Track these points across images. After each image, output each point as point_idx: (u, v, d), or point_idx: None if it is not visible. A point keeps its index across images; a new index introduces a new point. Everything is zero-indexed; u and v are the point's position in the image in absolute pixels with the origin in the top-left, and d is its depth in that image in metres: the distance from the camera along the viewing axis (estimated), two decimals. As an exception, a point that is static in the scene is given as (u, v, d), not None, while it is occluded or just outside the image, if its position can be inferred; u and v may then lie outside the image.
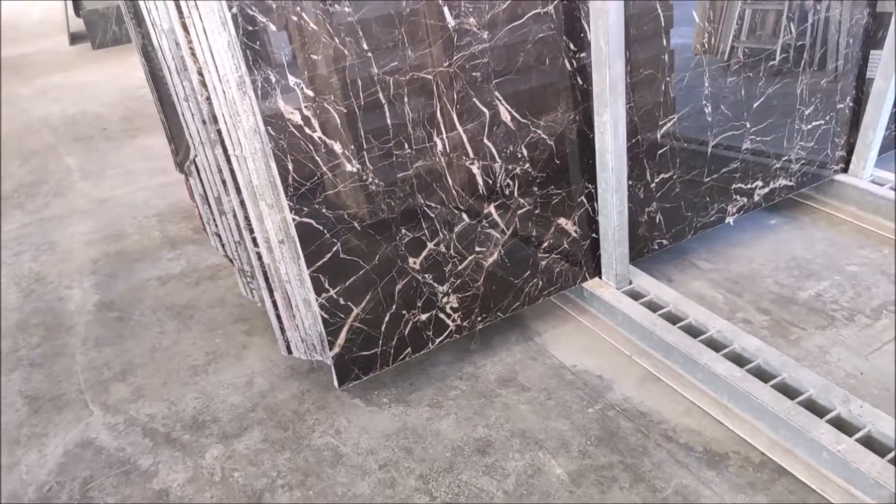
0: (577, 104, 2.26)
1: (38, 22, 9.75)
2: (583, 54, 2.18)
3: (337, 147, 1.88)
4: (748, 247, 2.94)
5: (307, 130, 1.81)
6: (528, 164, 2.24)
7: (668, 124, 2.49)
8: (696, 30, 2.48)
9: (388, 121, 1.93)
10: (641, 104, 2.39)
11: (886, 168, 3.20)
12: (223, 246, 2.52)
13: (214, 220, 2.43)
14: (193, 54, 1.83)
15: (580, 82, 2.22)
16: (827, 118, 2.94)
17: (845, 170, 3.15)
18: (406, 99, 1.94)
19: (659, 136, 2.48)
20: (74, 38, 8.22)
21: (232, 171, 1.97)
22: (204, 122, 1.96)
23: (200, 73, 1.85)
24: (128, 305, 2.93)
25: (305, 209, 1.88)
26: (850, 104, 3.00)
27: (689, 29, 2.49)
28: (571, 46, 2.17)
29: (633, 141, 2.42)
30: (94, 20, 7.69)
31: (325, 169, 1.88)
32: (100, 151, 4.82)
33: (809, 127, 2.90)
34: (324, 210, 1.91)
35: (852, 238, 2.95)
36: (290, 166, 1.82)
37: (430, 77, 1.95)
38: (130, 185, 4.19)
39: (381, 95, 1.89)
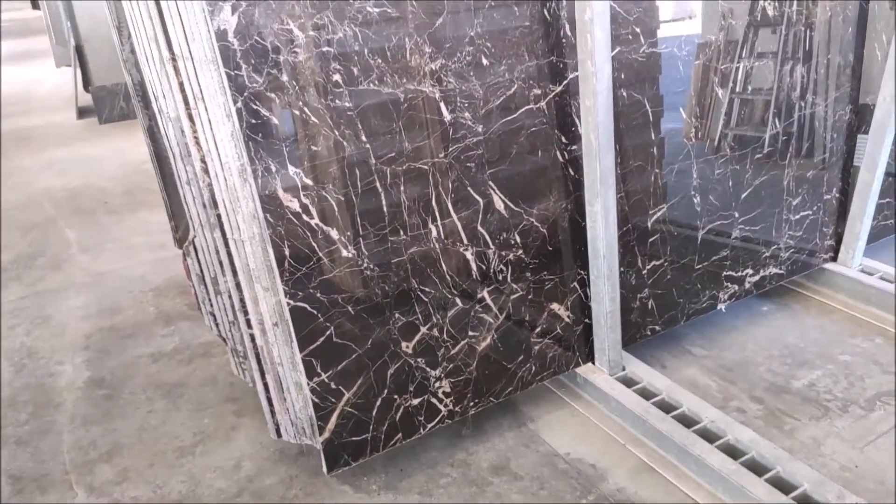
0: (568, 193, 2.32)
1: (48, 96, 10.04)
2: (574, 147, 2.26)
3: (334, 233, 1.92)
4: (741, 333, 2.96)
5: (305, 217, 1.86)
6: (521, 251, 2.28)
7: (659, 213, 2.55)
8: (685, 122, 2.58)
9: (385, 208, 1.98)
10: (632, 193, 2.45)
11: (876, 256, 3.25)
12: (217, 325, 2.53)
13: (210, 299, 2.44)
14: (198, 142, 1.89)
15: (572, 173, 2.29)
16: (814, 208, 3.01)
17: (835, 258, 3.20)
18: (402, 187, 1.99)
19: (650, 224, 2.54)
20: (82, 113, 8.44)
21: (229, 253, 2.00)
22: (204, 206, 2.01)
23: (203, 161, 1.91)
24: (118, 382, 2.91)
25: (300, 293, 1.90)
26: (837, 195, 3.08)
27: (680, 114, 2.58)
28: (563, 139, 2.24)
29: (625, 228, 2.47)
30: (103, 96, 7.93)
31: (321, 254, 1.91)
32: (101, 225, 4.88)
33: (797, 217, 2.97)
34: (318, 294, 1.93)
35: (844, 327, 2.96)
36: (287, 252, 1.85)
37: (426, 167, 2.02)
38: (129, 260, 4.23)
39: (378, 184, 1.95)
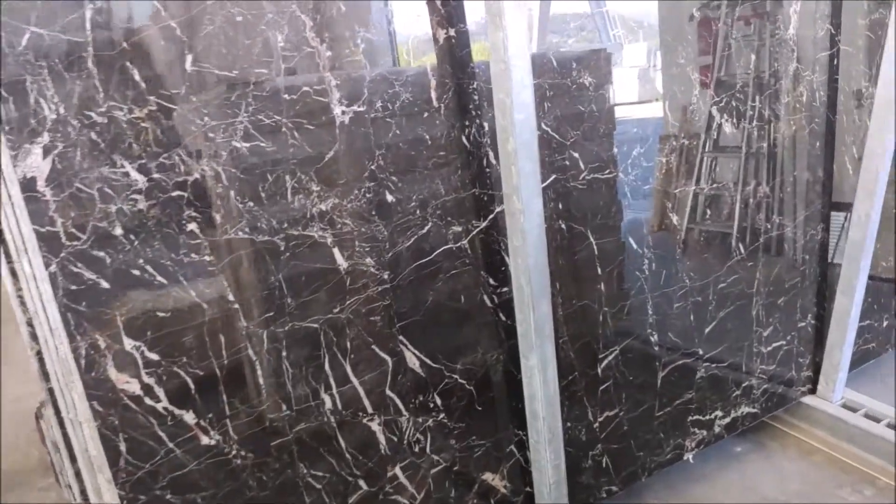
0: (500, 342, 1.95)
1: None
2: (505, 289, 1.90)
3: (189, 417, 1.52)
4: (712, 483, 2.55)
5: (148, 401, 1.46)
6: (442, 415, 1.89)
7: (611, 356, 2.18)
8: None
9: (261, 379, 1.59)
10: (577, 337, 2.09)
11: (860, 383, 2.91)
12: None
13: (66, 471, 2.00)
14: (23, 303, 1.50)
15: (503, 318, 1.93)
16: (788, 338, 2.68)
17: (813, 390, 2.84)
18: (284, 353, 1.61)
19: (600, 371, 2.17)
20: None
21: (66, 435, 1.59)
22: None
23: (30, 324, 1.52)
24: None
25: (143, 498, 1.48)
26: (812, 321, 2.75)
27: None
28: (491, 281, 1.89)
29: (570, 378, 2.10)
30: None
31: (171, 445, 1.50)
32: None
33: (770, 349, 2.62)
34: (169, 496, 1.51)
35: (828, 473, 2.58)
36: (123, 446, 1.44)
37: (315, 326, 1.64)
38: None
39: (250, 351, 1.57)
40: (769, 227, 2.48)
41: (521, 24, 1.59)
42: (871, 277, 2.85)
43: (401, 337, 1.78)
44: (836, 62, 2.54)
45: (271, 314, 1.58)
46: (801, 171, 2.57)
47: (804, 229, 2.61)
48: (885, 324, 3.07)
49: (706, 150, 2.36)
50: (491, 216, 1.85)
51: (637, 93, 2.91)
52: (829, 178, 2.65)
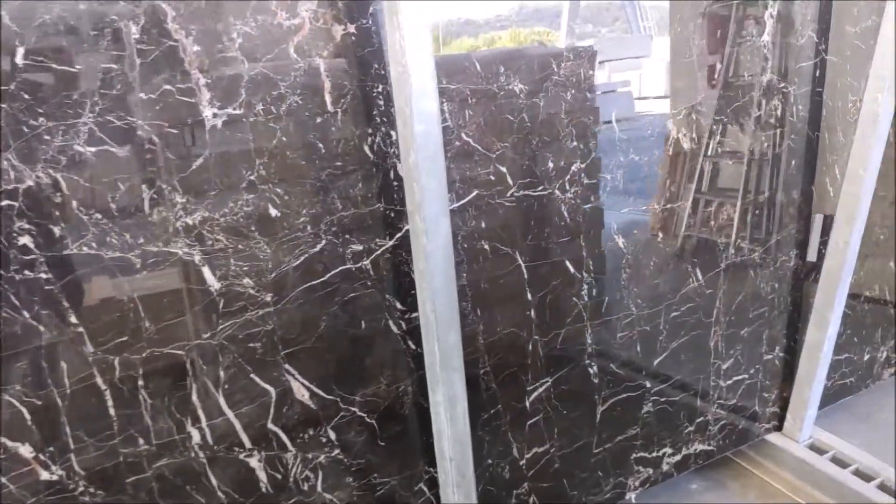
0: (409, 372, 1.77)
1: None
2: (415, 314, 1.72)
3: (25, 450, 1.36)
4: (659, 524, 2.37)
5: (-30, 434, 1.30)
6: (338, 450, 1.71)
7: (540, 389, 2.00)
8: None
9: (112, 411, 1.43)
10: (502, 368, 1.91)
11: (832, 420, 2.70)
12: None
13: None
14: None
15: (412, 346, 1.75)
16: (752, 371, 2.47)
17: (780, 427, 2.63)
18: (141, 382, 1.44)
19: (528, 404, 1.98)
20: None
21: None
22: None
23: None
24: None
25: (-36, 539, 1.33)
26: (781, 354, 2.54)
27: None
28: (399, 306, 1.71)
29: (492, 412, 1.92)
30: None
31: (3, 481, 1.34)
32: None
33: (730, 382, 2.41)
34: (-2, 538, 1.35)
35: (787, 521, 2.39)
36: (-61, 484, 1.29)
37: (181, 352, 1.47)
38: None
39: (99, 380, 1.40)
40: (732, 252, 2.26)
41: (422, 22, 1.39)
42: (854, 297, 2.64)
43: (287, 365, 1.60)
44: (819, 73, 2.31)
45: (125, 339, 1.41)
46: (775, 191, 2.35)
47: (775, 255, 2.39)
48: (866, 357, 2.85)
49: (667, 168, 2.14)
50: (399, 234, 1.66)
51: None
52: (806, 201, 2.42)
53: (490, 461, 1.95)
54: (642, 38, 3.05)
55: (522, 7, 2.08)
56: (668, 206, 2.10)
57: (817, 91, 2.32)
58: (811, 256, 2.47)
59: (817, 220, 2.46)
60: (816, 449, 2.55)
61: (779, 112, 2.23)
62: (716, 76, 2.11)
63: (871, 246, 2.73)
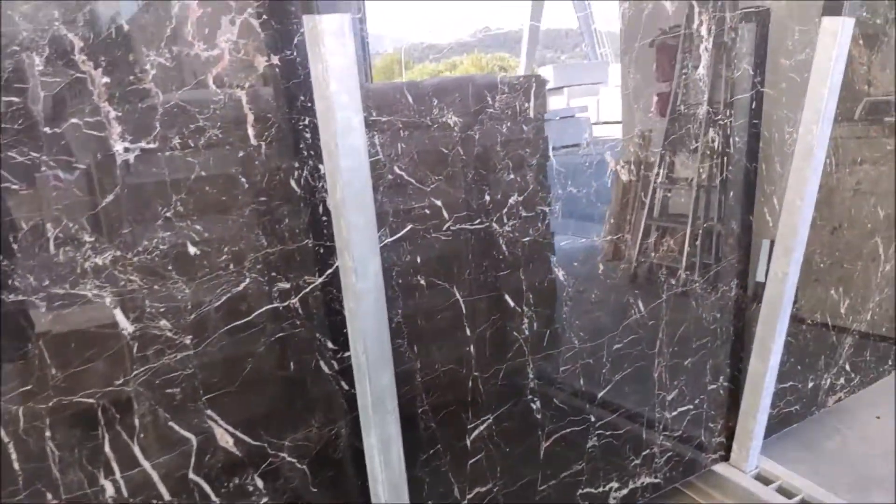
0: (343, 413, 1.71)
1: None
2: (347, 353, 1.66)
3: (-88, 513, 1.25)
4: (607, 561, 2.32)
5: None
6: (265, 499, 1.63)
7: (482, 426, 1.94)
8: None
9: (16, 464, 1.33)
10: (441, 407, 1.85)
11: (779, 449, 2.71)
12: None
13: None
14: None
15: (346, 387, 1.68)
16: (696, 402, 2.46)
17: (726, 457, 2.63)
18: (48, 433, 1.35)
19: (469, 442, 1.93)
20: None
21: None
22: None
23: None
24: None
25: None
26: (726, 383, 2.54)
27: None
28: (330, 345, 1.65)
29: (432, 452, 1.86)
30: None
31: None
32: None
33: (675, 413, 2.40)
34: None
35: (734, 553, 2.36)
36: None
37: (90, 401, 1.38)
38: None
39: (1, 432, 1.30)
40: (673, 283, 2.26)
41: (346, 52, 1.36)
42: (798, 322, 2.65)
43: (209, 411, 1.52)
44: (756, 105, 2.34)
45: (29, 388, 1.32)
46: (715, 221, 2.36)
47: (715, 283, 2.39)
48: (810, 385, 2.87)
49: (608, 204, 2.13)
50: (329, 271, 1.60)
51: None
52: (745, 231, 2.44)
53: (431, 502, 1.89)
54: (599, 64, 3.08)
55: (485, 32, 2.06)
56: (618, 234, 2.09)
57: (754, 123, 2.35)
58: (760, 277, 2.49)
59: (764, 245, 2.49)
60: (763, 479, 2.54)
61: (716, 144, 2.25)
62: (668, 105, 2.12)
63: (813, 273, 2.77)
